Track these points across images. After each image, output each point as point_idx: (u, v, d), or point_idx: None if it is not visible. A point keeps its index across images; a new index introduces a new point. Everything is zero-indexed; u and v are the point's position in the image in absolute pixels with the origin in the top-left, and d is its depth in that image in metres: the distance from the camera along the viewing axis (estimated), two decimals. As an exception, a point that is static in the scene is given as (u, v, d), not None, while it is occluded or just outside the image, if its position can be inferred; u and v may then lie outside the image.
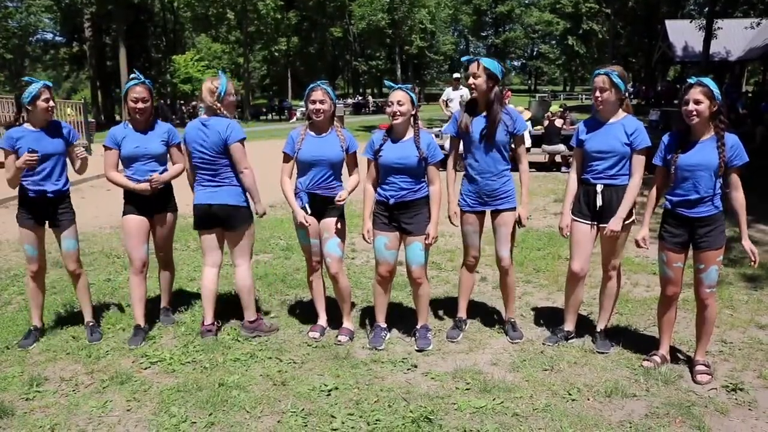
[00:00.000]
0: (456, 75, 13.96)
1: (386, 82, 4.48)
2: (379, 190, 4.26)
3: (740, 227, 3.66)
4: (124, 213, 4.45)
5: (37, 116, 4.19)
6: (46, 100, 4.16)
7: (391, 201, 4.16)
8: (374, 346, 4.34)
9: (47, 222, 4.36)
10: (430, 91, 61.97)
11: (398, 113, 4.06)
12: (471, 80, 4.10)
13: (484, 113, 4.17)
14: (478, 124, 4.16)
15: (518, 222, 4.29)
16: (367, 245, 7.10)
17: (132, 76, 4.40)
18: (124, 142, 4.36)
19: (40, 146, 4.17)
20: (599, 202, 3.99)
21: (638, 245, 3.93)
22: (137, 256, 4.44)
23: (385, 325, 4.50)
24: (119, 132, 4.41)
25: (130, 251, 4.46)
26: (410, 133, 4.16)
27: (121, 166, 4.46)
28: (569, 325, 4.38)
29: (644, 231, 3.94)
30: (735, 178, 3.61)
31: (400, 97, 4.06)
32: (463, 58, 4.25)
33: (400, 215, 4.17)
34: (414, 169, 4.11)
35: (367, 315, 4.92)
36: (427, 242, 4.19)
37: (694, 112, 3.54)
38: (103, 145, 4.48)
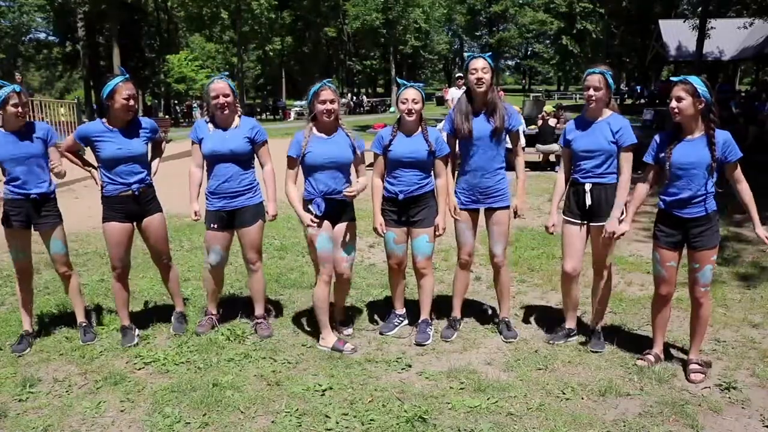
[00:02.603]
0: (459, 74, 14.05)
1: (399, 80, 4.51)
2: (386, 185, 4.30)
3: (752, 216, 3.64)
4: (105, 219, 4.27)
5: (9, 120, 4.08)
6: (15, 105, 4.00)
7: (401, 197, 4.22)
8: (381, 331, 4.52)
9: (33, 225, 4.24)
10: (425, 91, 61.92)
11: (413, 111, 4.15)
12: (480, 74, 4.10)
13: (483, 111, 4.19)
14: (476, 123, 4.18)
15: (514, 213, 4.32)
16: (361, 245, 7.13)
17: (113, 75, 4.21)
18: (103, 144, 4.14)
19: (14, 150, 4.07)
20: (588, 200, 4.01)
21: (613, 236, 3.94)
22: (119, 264, 4.36)
23: (401, 312, 4.67)
24: (94, 129, 4.18)
25: (112, 258, 4.36)
26: (418, 129, 4.24)
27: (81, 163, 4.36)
28: (570, 323, 4.40)
29: (624, 226, 3.94)
30: (736, 173, 3.64)
31: (414, 95, 4.16)
32: (467, 55, 4.24)
33: (409, 210, 4.27)
34: (424, 162, 4.20)
35: (362, 316, 4.92)
36: (437, 233, 4.30)
37: (676, 109, 3.58)
38: (75, 137, 4.27)
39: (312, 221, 4.08)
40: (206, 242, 4.46)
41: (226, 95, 4.21)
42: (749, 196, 3.64)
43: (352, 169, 4.29)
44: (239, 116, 4.37)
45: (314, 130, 4.19)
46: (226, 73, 4.70)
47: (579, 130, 4.07)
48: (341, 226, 4.26)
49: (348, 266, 4.36)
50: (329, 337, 4.28)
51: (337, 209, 4.20)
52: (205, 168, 4.38)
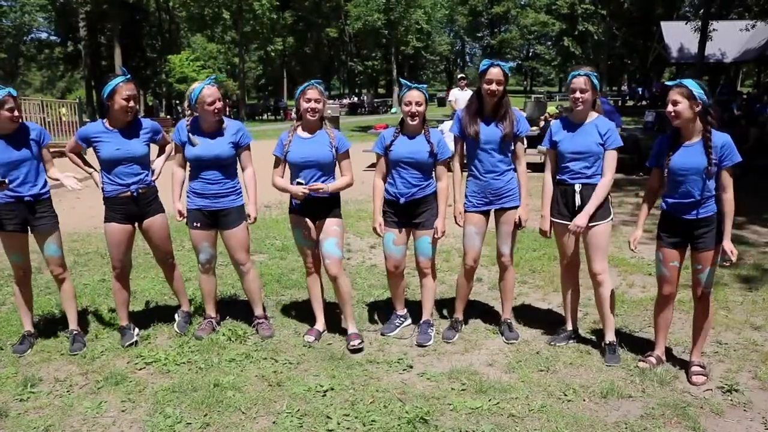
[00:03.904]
0: (461, 75, 14.02)
1: (402, 81, 4.46)
2: (387, 187, 4.31)
3: (724, 227, 3.64)
4: (106, 219, 4.27)
5: (3, 124, 4.01)
6: (10, 110, 3.95)
7: (402, 200, 4.22)
8: (383, 332, 4.52)
9: (29, 227, 4.20)
10: (427, 92, 61.90)
11: (416, 113, 4.14)
12: (494, 86, 4.06)
13: (492, 116, 4.17)
14: (485, 127, 4.16)
15: (518, 224, 4.30)
16: (362, 246, 7.14)
17: (114, 75, 4.16)
18: (101, 145, 4.13)
19: (9, 154, 4.02)
20: (578, 201, 4.00)
21: (630, 247, 3.95)
22: (119, 264, 4.35)
23: (402, 312, 4.68)
24: (94, 130, 4.18)
25: (112, 258, 4.36)
26: (421, 130, 4.24)
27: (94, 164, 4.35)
28: (571, 324, 4.39)
29: (637, 233, 3.95)
30: (725, 179, 3.59)
31: (417, 98, 4.14)
32: (485, 62, 4.16)
33: (410, 212, 4.27)
34: (424, 164, 4.20)
35: (363, 316, 4.92)
36: (436, 236, 4.30)
37: (673, 113, 3.57)
38: (76, 139, 4.27)
39: (303, 192, 4.14)
40: (193, 242, 4.44)
41: (221, 100, 4.21)
42: (730, 208, 3.61)
43: (339, 168, 4.33)
44: (219, 119, 4.31)
45: (298, 129, 4.26)
46: (214, 77, 4.67)
47: (566, 132, 4.07)
48: (321, 223, 4.29)
49: (332, 264, 4.26)
50: (314, 326, 4.53)
51: (317, 206, 4.25)
52: (188, 168, 4.37)
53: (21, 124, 4.12)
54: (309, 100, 4.14)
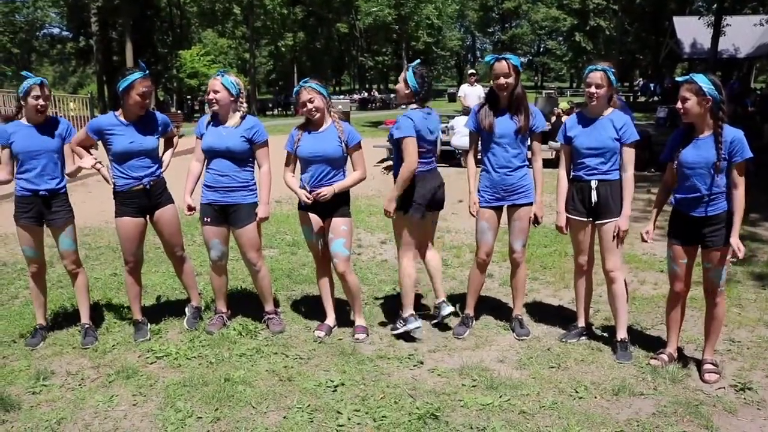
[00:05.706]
0: (471, 71, 13.97)
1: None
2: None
3: (734, 224, 3.57)
4: (117, 214, 4.28)
5: (30, 112, 4.08)
6: (36, 98, 4.00)
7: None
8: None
9: (44, 221, 4.23)
10: (436, 87, 62.00)
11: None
12: (502, 80, 4.03)
13: (507, 110, 4.14)
14: (500, 121, 4.14)
15: (535, 221, 4.28)
16: (373, 241, 7.14)
17: (132, 69, 4.16)
18: (115, 138, 4.14)
19: (31, 143, 4.07)
20: (595, 198, 3.97)
21: (642, 239, 3.92)
22: (132, 258, 4.36)
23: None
24: (107, 122, 4.18)
25: (124, 252, 4.37)
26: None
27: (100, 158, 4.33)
28: (583, 321, 4.37)
29: (649, 225, 3.92)
30: (735, 175, 3.54)
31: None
32: (487, 58, 4.16)
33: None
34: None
35: (374, 312, 4.92)
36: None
37: (682, 110, 3.55)
38: (87, 131, 4.25)
39: (307, 197, 4.15)
40: (204, 238, 4.44)
41: (216, 91, 4.18)
42: (740, 204, 3.54)
43: (350, 163, 4.31)
44: (241, 115, 4.29)
45: (307, 126, 4.26)
46: (224, 69, 4.71)
47: (581, 127, 4.03)
48: (330, 221, 4.27)
49: (340, 263, 4.25)
50: (325, 321, 4.54)
51: (326, 204, 4.20)
52: (205, 162, 4.38)
53: (51, 117, 4.19)
54: (304, 104, 4.12)
